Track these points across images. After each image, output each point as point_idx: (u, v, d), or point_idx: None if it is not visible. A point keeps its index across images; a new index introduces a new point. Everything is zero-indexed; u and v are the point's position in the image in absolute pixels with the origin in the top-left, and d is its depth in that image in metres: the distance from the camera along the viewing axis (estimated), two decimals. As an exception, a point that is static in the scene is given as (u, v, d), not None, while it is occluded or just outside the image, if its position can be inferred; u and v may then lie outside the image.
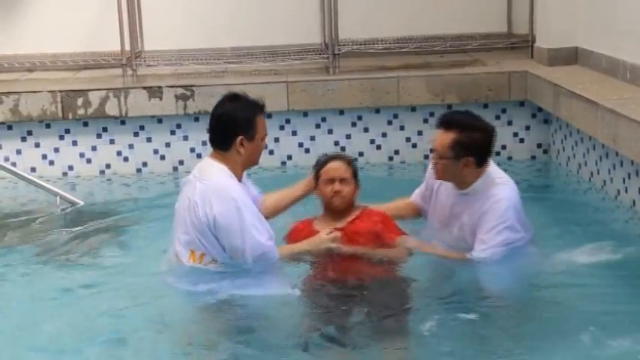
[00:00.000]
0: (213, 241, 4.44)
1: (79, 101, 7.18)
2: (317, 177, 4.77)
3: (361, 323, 4.21)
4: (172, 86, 7.26)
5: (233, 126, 4.53)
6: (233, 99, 4.63)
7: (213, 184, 4.44)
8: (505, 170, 4.88)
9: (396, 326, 4.21)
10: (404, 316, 4.29)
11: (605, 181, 6.07)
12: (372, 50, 8.10)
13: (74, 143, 7.30)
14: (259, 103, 4.61)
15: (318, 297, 4.45)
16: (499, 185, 4.59)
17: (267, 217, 4.76)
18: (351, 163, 4.77)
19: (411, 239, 4.64)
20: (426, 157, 7.10)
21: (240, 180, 4.58)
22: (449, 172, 4.59)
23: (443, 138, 4.55)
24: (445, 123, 4.58)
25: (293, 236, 4.79)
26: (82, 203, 6.36)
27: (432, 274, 4.65)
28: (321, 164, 4.78)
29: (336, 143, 7.34)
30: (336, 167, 4.70)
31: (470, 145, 4.52)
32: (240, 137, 4.51)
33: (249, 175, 4.82)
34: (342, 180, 4.66)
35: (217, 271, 4.47)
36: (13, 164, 7.06)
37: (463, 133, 4.51)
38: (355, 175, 4.73)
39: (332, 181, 4.66)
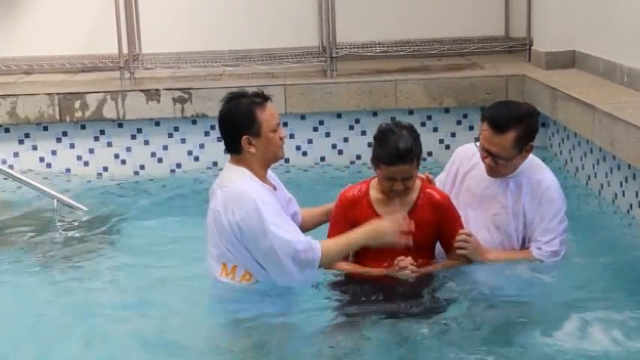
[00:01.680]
0: (243, 251, 4.25)
1: (77, 104, 7.17)
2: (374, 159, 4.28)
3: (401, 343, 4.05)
4: (170, 89, 7.26)
5: (234, 127, 4.32)
6: (231, 99, 4.40)
7: (232, 190, 4.25)
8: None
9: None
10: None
11: (602, 185, 6.07)
12: (369, 53, 8.10)
13: (71, 146, 7.30)
14: (258, 96, 4.37)
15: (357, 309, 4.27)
16: (545, 170, 4.60)
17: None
18: (415, 159, 4.23)
19: (473, 241, 4.42)
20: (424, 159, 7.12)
21: (264, 178, 4.38)
22: (512, 167, 4.50)
23: (503, 142, 4.39)
24: (499, 127, 4.39)
25: (344, 208, 4.39)
26: (79, 206, 6.35)
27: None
28: (380, 158, 4.22)
29: (334, 146, 7.34)
30: (398, 171, 4.22)
31: (529, 134, 4.46)
32: (245, 137, 4.29)
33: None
34: (404, 178, 4.25)
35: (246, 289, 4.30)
36: (10, 167, 7.05)
37: (519, 127, 4.41)
38: (418, 162, 4.27)
39: (392, 179, 4.25)
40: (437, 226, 4.40)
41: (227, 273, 4.32)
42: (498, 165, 4.48)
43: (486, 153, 4.48)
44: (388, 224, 4.24)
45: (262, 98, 4.37)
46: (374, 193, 4.40)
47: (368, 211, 4.37)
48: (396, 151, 4.19)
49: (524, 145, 4.47)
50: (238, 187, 4.25)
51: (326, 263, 4.33)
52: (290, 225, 4.31)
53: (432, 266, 4.46)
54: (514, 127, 4.40)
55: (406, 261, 4.28)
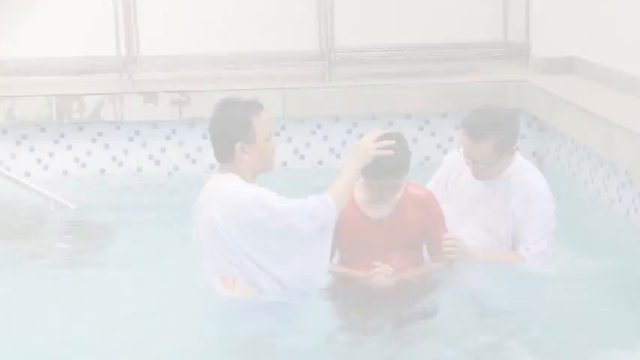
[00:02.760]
0: (245, 259, 4.15)
1: (75, 105, 7.17)
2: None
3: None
4: (168, 91, 7.26)
5: (229, 133, 4.23)
6: (223, 107, 4.35)
7: (226, 196, 4.16)
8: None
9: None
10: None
11: (599, 191, 6.07)
12: (368, 57, 8.10)
13: (69, 148, 7.29)
14: (253, 103, 4.31)
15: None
16: (533, 171, 4.63)
17: None
18: (405, 172, 4.29)
19: (461, 246, 4.43)
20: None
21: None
22: (497, 170, 4.52)
23: (482, 148, 4.42)
24: (477, 135, 4.41)
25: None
26: (68, 204, 6.33)
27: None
28: (371, 173, 4.24)
29: (332, 150, 7.35)
30: (388, 184, 4.28)
31: (509, 137, 4.48)
32: (239, 143, 4.20)
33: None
34: (392, 188, 4.31)
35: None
36: (7, 168, 7.04)
37: (499, 133, 4.42)
38: (407, 173, 4.31)
39: (381, 190, 4.30)
40: (422, 223, 4.39)
41: (227, 286, 4.22)
42: (481, 170, 4.51)
43: (469, 159, 4.50)
44: (365, 140, 4.24)
45: (256, 105, 4.32)
46: (359, 194, 4.38)
47: (353, 211, 4.36)
48: (386, 168, 4.21)
49: (505, 149, 4.48)
50: (231, 190, 4.18)
51: (340, 205, 4.22)
52: (290, 199, 4.23)
53: (418, 270, 4.44)
54: (492, 133, 4.42)
55: (381, 273, 4.29)
